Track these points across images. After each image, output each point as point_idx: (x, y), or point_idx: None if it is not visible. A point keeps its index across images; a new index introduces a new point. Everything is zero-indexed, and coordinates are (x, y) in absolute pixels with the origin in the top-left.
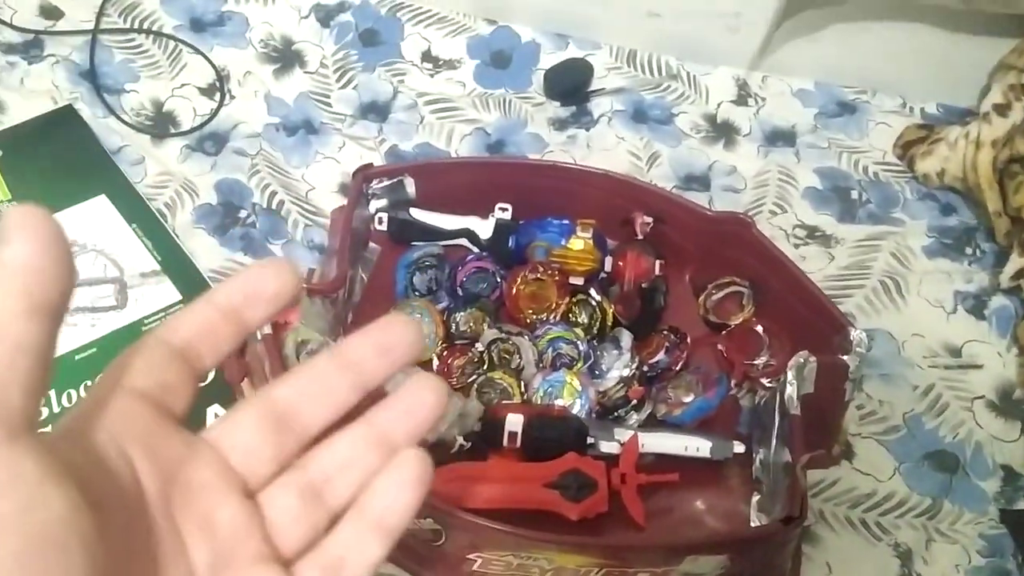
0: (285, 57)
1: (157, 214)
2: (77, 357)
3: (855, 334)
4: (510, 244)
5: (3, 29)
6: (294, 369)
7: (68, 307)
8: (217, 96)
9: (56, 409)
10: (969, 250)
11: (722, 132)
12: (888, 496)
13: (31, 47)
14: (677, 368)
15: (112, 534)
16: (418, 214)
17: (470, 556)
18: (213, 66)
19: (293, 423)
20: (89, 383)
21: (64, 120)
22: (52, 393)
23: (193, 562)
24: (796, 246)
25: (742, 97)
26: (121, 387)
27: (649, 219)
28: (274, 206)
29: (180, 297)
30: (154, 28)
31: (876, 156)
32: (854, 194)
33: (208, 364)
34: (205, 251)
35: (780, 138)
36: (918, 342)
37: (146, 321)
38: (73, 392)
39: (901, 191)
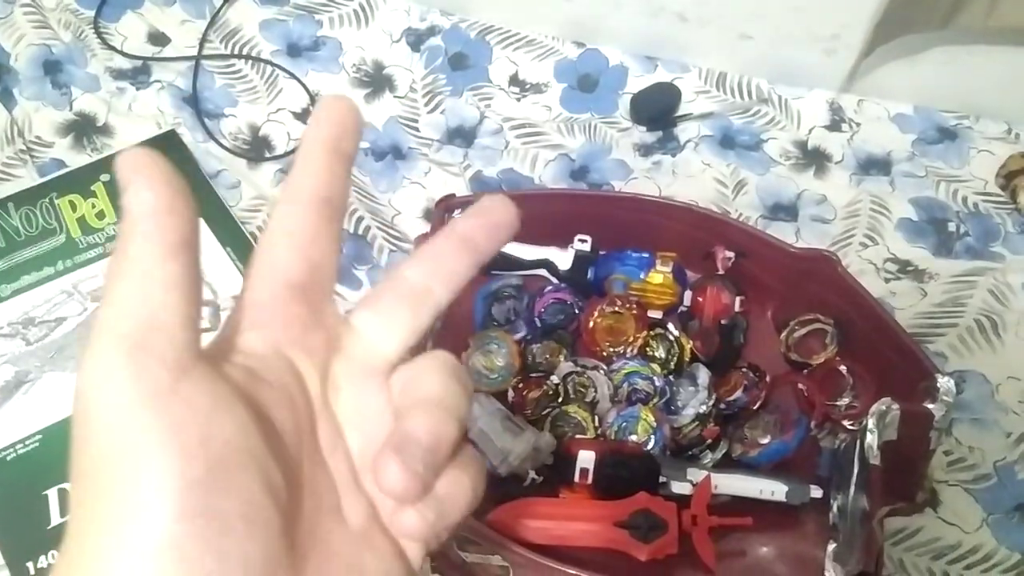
0: (376, 81)
1: (250, 238)
2: None
3: (943, 381)
4: (589, 276)
5: (114, 56)
6: (418, 252)
7: (199, 234)
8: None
9: None
10: None
11: (813, 159)
12: (974, 549)
13: (139, 73)
14: (755, 407)
15: (281, 439)
16: None
17: None
18: (307, 91)
19: (427, 300)
20: None
21: (167, 145)
22: None
23: (349, 448)
24: (887, 280)
25: (835, 122)
26: (273, 282)
27: (731, 254)
28: (360, 231)
29: None
30: (253, 54)
31: (977, 186)
32: (951, 226)
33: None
34: None
35: (874, 166)
36: (1013, 385)
37: None
38: None
39: (1002, 224)
